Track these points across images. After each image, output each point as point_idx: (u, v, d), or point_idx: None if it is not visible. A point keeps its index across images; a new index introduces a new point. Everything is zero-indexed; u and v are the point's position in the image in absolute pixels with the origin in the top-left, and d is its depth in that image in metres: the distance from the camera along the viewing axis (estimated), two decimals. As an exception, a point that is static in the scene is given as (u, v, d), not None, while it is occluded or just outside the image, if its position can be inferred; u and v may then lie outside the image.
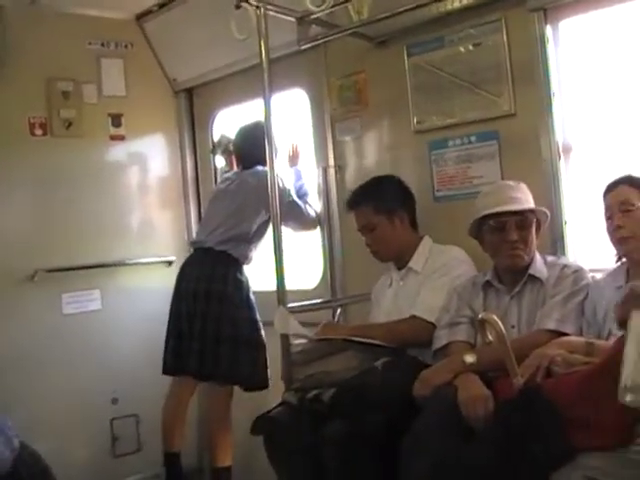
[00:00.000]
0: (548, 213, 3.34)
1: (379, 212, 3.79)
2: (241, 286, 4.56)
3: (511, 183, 3.41)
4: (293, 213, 4.51)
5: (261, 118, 3.82)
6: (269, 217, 4.21)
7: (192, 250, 4.76)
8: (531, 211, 3.28)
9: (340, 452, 3.10)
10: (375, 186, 3.90)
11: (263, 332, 4.53)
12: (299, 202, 4.59)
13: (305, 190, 4.70)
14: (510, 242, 3.23)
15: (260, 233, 4.60)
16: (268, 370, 4.49)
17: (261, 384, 4.51)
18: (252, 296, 4.59)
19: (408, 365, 3.35)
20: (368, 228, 3.84)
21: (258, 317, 4.55)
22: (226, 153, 5.03)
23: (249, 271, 4.66)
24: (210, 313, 4.45)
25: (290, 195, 4.55)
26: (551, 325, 3.07)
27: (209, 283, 4.50)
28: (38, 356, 4.76)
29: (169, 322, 4.61)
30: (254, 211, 4.53)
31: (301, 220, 4.60)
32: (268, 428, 3.46)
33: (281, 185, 4.29)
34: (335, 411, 3.18)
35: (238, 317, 4.49)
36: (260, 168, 4.52)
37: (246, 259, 4.60)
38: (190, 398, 4.80)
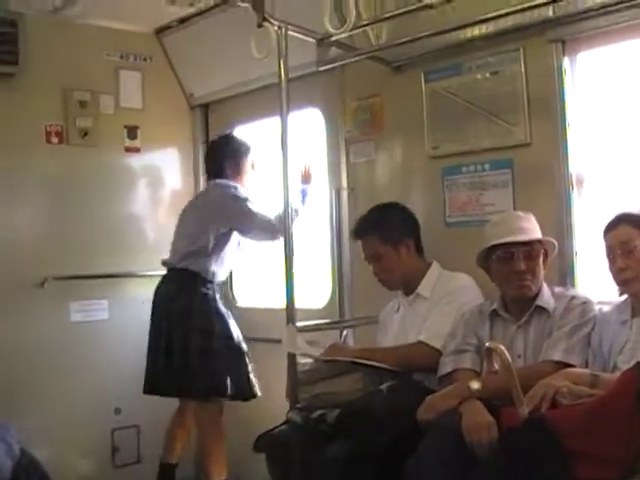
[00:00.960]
0: (556, 243, 3.35)
1: (384, 242, 3.79)
2: (206, 299, 4.58)
3: (520, 213, 3.43)
4: (250, 223, 4.60)
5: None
6: (230, 229, 4.42)
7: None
8: (539, 242, 3.29)
9: (342, 473, 3.10)
10: (379, 215, 3.90)
11: (242, 343, 4.59)
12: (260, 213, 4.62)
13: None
14: (518, 272, 3.24)
15: (220, 246, 4.62)
16: (252, 378, 4.54)
17: (245, 394, 4.54)
18: (222, 308, 4.63)
19: (413, 389, 3.35)
20: (375, 258, 3.84)
21: (232, 328, 4.59)
22: None
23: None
24: (178, 330, 4.50)
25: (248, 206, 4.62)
26: (557, 356, 3.07)
27: (174, 301, 4.56)
28: (44, 362, 4.78)
29: (148, 343, 4.65)
30: (211, 224, 4.58)
31: (255, 232, 4.65)
32: (271, 446, 3.46)
33: (239, 195, 4.57)
34: (339, 432, 3.19)
35: (207, 330, 4.51)
36: (219, 181, 4.63)
37: (208, 273, 4.61)
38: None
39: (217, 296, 4.64)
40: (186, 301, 4.54)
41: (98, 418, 4.89)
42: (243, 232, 4.60)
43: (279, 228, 4.15)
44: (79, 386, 4.81)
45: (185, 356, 4.45)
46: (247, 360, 4.58)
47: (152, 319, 4.65)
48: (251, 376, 4.57)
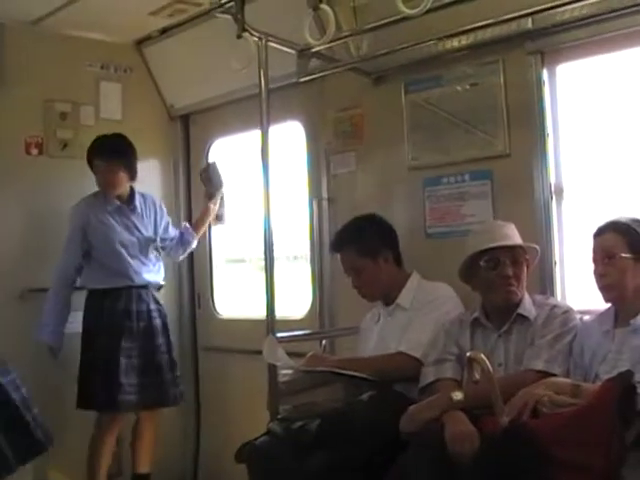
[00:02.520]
0: (538, 249, 3.38)
1: (362, 255, 3.78)
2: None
3: (501, 222, 3.46)
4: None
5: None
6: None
7: None
8: (522, 249, 3.31)
9: (322, 485, 3.10)
10: (356, 228, 3.88)
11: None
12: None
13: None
14: (505, 277, 3.26)
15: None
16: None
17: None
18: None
19: (394, 400, 3.34)
20: (353, 271, 3.83)
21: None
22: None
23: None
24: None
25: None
26: (539, 366, 3.07)
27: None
28: (22, 375, 4.73)
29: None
30: None
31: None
32: (252, 456, 3.45)
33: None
34: (320, 442, 3.18)
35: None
36: None
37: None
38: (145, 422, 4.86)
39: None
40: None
41: (79, 430, 4.83)
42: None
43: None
44: (59, 399, 4.75)
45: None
46: None
47: None
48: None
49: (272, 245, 3.79)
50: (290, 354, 3.75)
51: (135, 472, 4.88)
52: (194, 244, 5.08)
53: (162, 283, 5.07)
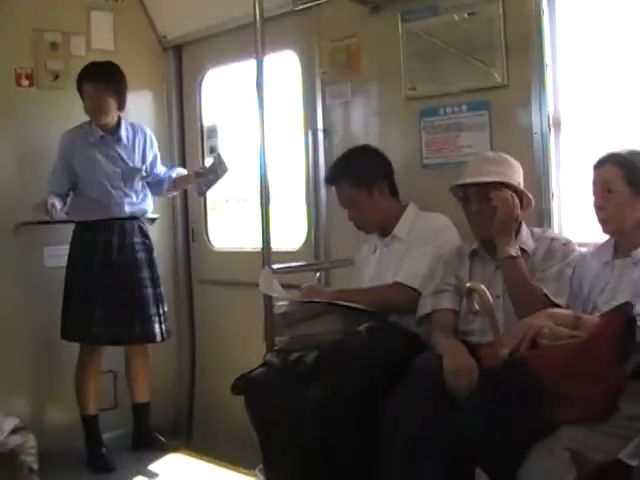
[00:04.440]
0: (514, 182, 3.26)
1: (357, 186, 3.76)
2: None
3: (490, 155, 3.43)
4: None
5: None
6: None
7: None
8: (504, 185, 3.23)
9: (320, 415, 3.12)
10: (351, 159, 3.86)
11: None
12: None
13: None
14: (473, 213, 3.27)
15: None
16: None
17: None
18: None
19: (392, 331, 3.37)
20: (349, 203, 3.82)
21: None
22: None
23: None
24: None
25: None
26: (550, 294, 3.07)
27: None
28: (19, 306, 4.77)
29: None
30: None
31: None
32: (249, 388, 3.47)
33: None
34: (317, 374, 3.19)
35: None
36: None
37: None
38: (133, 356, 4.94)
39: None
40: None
41: (74, 363, 4.85)
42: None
43: None
44: (55, 331, 4.76)
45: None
46: None
47: None
48: None
49: (267, 177, 3.77)
50: (285, 286, 3.77)
51: (134, 402, 4.94)
52: (168, 195, 5.11)
53: (151, 215, 5.11)
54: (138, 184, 4.80)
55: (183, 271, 5.60)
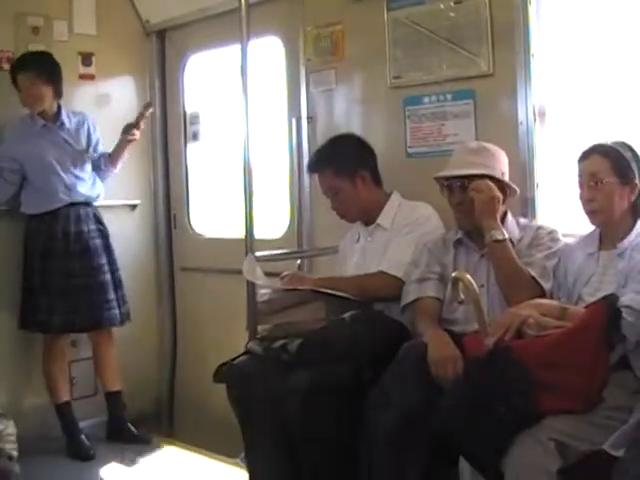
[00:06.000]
0: (492, 174, 3.25)
1: (340, 175, 3.74)
2: None
3: (473, 145, 3.42)
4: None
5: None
6: None
7: None
8: (488, 177, 3.21)
9: (304, 403, 3.10)
10: (333, 148, 3.85)
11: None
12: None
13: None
14: (455, 204, 3.28)
15: None
16: None
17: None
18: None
19: (376, 319, 3.37)
20: (331, 191, 3.80)
21: None
22: None
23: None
24: None
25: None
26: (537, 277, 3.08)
27: None
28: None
29: None
30: None
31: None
32: (231, 376, 3.45)
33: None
34: (301, 362, 3.18)
35: None
36: None
37: None
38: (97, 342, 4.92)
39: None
40: None
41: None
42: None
43: None
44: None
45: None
46: None
47: None
48: None
49: (250, 164, 3.75)
50: (268, 274, 3.75)
51: (105, 391, 4.93)
52: (109, 172, 4.99)
53: (132, 201, 5.25)
54: (88, 167, 4.81)
55: (165, 258, 5.57)
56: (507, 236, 3.11)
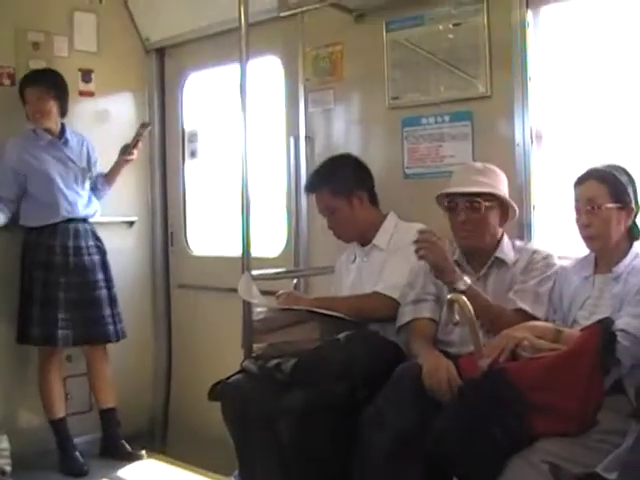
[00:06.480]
0: (501, 193, 3.27)
1: (337, 195, 3.75)
2: None
3: (478, 166, 3.40)
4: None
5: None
6: None
7: None
8: (492, 195, 3.23)
9: (298, 423, 3.10)
10: (331, 168, 3.86)
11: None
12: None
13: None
14: (459, 223, 3.26)
15: None
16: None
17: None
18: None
19: (370, 340, 3.36)
20: (328, 211, 3.81)
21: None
22: None
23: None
24: None
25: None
26: (527, 307, 3.09)
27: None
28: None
29: None
30: None
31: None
32: (226, 394, 3.45)
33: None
34: (295, 381, 3.17)
35: None
36: None
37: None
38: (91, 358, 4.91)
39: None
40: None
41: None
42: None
43: None
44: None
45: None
46: None
47: None
48: None
49: (248, 183, 3.75)
50: (263, 292, 3.75)
51: (100, 408, 4.92)
52: (105, 192, 5.01)
53: (129, 218, 5.27)
54: (87, 186, 4.85)
55: (161, 275, 5.57)
56: (468, 284, 3.09)
